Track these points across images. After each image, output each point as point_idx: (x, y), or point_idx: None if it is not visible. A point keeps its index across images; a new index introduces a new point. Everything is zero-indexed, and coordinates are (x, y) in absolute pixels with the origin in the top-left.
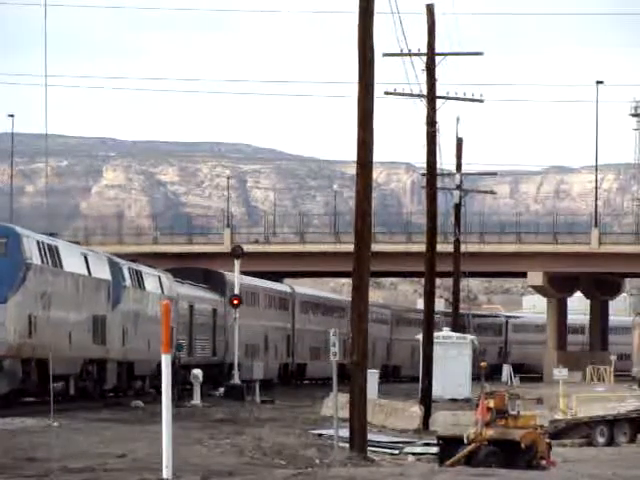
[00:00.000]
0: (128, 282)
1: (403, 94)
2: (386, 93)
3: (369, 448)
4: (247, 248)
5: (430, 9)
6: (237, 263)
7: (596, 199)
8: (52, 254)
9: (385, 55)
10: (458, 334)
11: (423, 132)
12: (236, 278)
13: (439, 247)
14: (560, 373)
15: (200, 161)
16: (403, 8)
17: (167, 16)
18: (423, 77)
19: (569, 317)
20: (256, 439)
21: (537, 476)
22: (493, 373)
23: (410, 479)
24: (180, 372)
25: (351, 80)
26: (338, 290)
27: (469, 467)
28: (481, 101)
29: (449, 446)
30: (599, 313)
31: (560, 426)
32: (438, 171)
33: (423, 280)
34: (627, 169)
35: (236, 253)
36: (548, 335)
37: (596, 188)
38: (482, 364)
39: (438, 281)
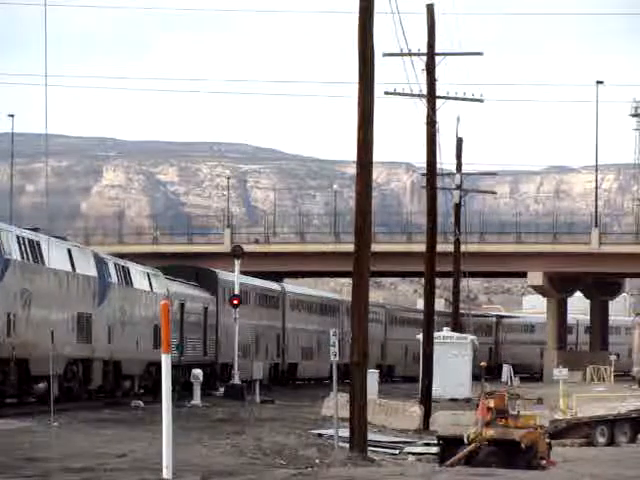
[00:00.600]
0: (114, 279)
1: (403, 94)
2: (386, 93)
3: (369, 448)
4: (247, 248)
5: (430, 9)
6: (237, 263)
7: (596, 199)
8: (33, 249)
9: (385, 55)
10: (458, 334)
11: (423, 132)
12: (236, 278)
13: (439, 247)
14: (560, 373)
15: (200, 161)
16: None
17: (167, 16)
18: (423, 77)
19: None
20: (256, 439)
21: (537, 476)
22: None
23: (410, 479)
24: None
25: (351, 80)
26: (338, 290)
27: (469, 467)
28: (481, 101)
29: (449, 446)
30: (599, 313)
31: (560, 426)
32: (438, 171)
33: (423, 280)
34: (627, 169)
35: (236, 253)
36: (548, 335)
37: (596, 188)
38: (482, 364)
39: (438, 281)
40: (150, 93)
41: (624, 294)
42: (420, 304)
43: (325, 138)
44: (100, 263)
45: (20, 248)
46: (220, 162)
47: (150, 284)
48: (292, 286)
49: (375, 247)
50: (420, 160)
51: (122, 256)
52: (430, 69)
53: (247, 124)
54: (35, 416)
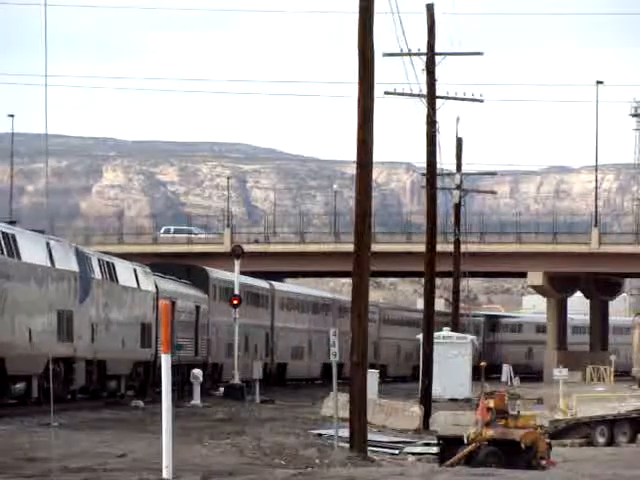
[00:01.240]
0: (98, 274)
1: (403, 94)
2: (386, 93)
3: (369, 448)
4: (247, 248)
5: (430, 9)
6: (237, 263)
7: (596, 199)
8: (8, 243)
9: (385, 55)
10: (458, 334)
11: (423, 132)
12: (236, 278)
13: (439, 247)
14: (560, 373)
15: (200, 161)
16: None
17: (167, 16)
18: (423, 77)
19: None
20: (256, 439)
21: (537, 476)
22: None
23: (410, 479)
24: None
25: (351, 80)
26: (338, 290)
27: (469, 467)
28: (481, 101)
29: (449, 446)
30: (599, 313)
31: (560, 426)
32: (438, 171)
33: (423, 280)
34: (627, 169)
35: (236, 253)
36: (548, 335)
37: (596, 188)
38: (482, 364)
39: (438, 281)
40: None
41: (624, 294)
42: (420, 304)
43: (325, 138)
44: (82, 258)
45: None
46: (220, 162)
47: (137, 281)
48: (282, 284)
49: (375, 247)
50: (420, 160)
51: (122, 256)
52: (430, 69)
53: (247, 124)
54: (35, 416)
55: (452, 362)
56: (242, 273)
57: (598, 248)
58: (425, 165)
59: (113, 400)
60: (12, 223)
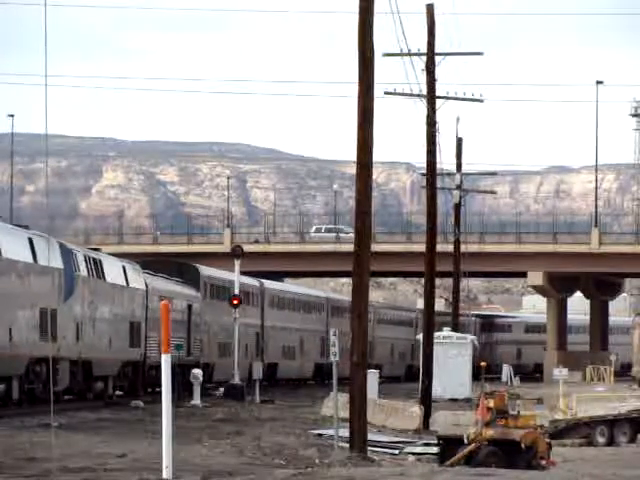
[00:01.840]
0: (84, 271)
1: (403, 94)
2: (386, 93)
3: (369, 448)
4: (247, 248)
5: (430, 9)
6: (237, 263)
7: (596, 199)
8: None
9: (385, 55)
10: (458, 334)
11: (423, 132)
12: (236, 278)
13: (439, 247)
14: (560, 373)
15: (200, 161)
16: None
17: (167, 16)
18: (423, 77)
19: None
20: (256, 439)
21: (537, 476)
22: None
23: (410, 479)
24: (151, 373)
25: (351, 80)
26: (338, 290)
27: (469, 467)
28: (481, 101)
29: (449, 446)
30: (599, 313)
31: (560, 426)
32: (438, 171)
33: (423, 280)
34: (627, 169)
35: (236, 253)
36: (548, 335)
37: (596, 188)
38: (482, 364)
39: (438, 281)
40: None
41: (624, 294)
42: (420, 304)
43: (325, 138)
44: (67, 254)
45: None
46: (220, 162)
47: (126, 278)
48: (271, 282)
49: (375, 247)
50: (420, 160)
51: (122, 256)
52: (430, 69)
53: (247, 124)
54: (35, 416)
55: (452, 362)
56: (242, 273)
57: (598, 248)
58: (425, 165)
59: (113, 401)
60: None
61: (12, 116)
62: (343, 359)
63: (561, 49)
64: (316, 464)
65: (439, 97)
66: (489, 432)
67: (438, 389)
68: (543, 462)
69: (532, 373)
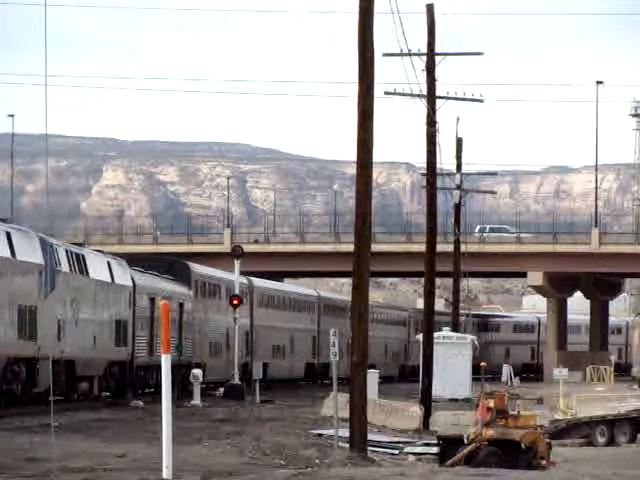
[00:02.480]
0: (65, 267)
1: (403, 94)
2: (386, 93)
3: (369, 448)
4: (247, 248)
5: (430, 9)
6: (237, 263)
7: (596, 199)
8: None
9: (385, 55)
10: (458, 334)
11: (423, 132)
12: (236, 278)
13: (439, 247)
14: (560, 373)
15: (200, 161)
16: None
17: (167, 16)
18: (423, 77)
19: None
20: (256, 439)
21: (537, 476)
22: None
23: (410, 479)
24: (140, 373)
25: (351, 80)
26: (338, 290)
27: (469, 467)
28: (481, 101)
29: (449, 446)
30: (599, 313)
31: (560, 426)
32: (438, 171)
33: (423, 280)
34: (627, 169)
35: (236, 253)
36: (548, 335)
37: (596, 188)
38: (482, 364)
39: (438, 281)
40: (151, 93)
41: (624, 294)
42: (420, 304)
43: (325, 138)
44: (48, 249)
45: None
46: (220, 162)
47: (111, 274)
48: (260, 280)
49: (375, 247)
50: (420, 160)
51: (123, 256)
52: (430, 69)
53: (247, 124)
54: (35, 416)
55: (452, 362)
56: (242, 273)
57: (598, 248)
58: (425, 165)
59: (113, 400)
60: None
61: (12, 116)
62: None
63: (561, 49)
64: (316, 464)
65: (439, 97)
66: (489, 432)
67: (438, 389)
68: (543, 462)
69: (520, 374)
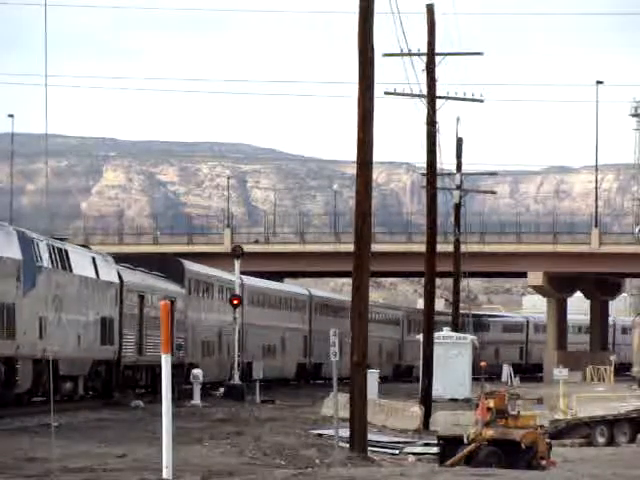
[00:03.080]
0: (47, 262)
1: (403, 94)
2: (386, 93)
3: (369, 448)
4: (247, 248)
5: (430, 9)
6: (237, 263)
7: (596, 199)
8: None
9: (385, 55)
10: (458, 334)
11: (423, 132)
12: (236, 278)
13: (439, 247)
14: (560, 373)
15: (200, 161)
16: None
17: (167, 16)
18: (423, 77)
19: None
20: (256, 439)
21: (537, 476)
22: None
23: (410, 479)
24: (127, 373)
25: (351, 80)
26: (338, 290)
27: (469, 467)
28: (481, 101)
29: (449, 446)
30: (599, 313)
31: (560, 426)
32: (438, 171)
33: (423, 280)
34: (627, 169)
35: (236, 253)
36: (548, 335)
37: (596, 188)
38: (482, 364)
39: (438, 281)
40: (150, 93)
41: (624, 294)
42: (420, 304)
43: (325, 138)
44: (27, 244)
45: None
46: (220, 162)
47: (96, 270)
48: (250, 278)
49: (375, 247)
50: (420, 160)
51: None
52: (430, 69)
53: (247, 124)
54: (35, 416)
55: (452, 362)
56: (243, 273)
57: (598, 248)
58: (425, 165)
59: (112, 400)
60: None
61: (12, 116)
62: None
63: (561, 49)
64: (316, 464)
65: (439, 97)
66: (489, 432)
67: (438, 389)
68: (543, 462)
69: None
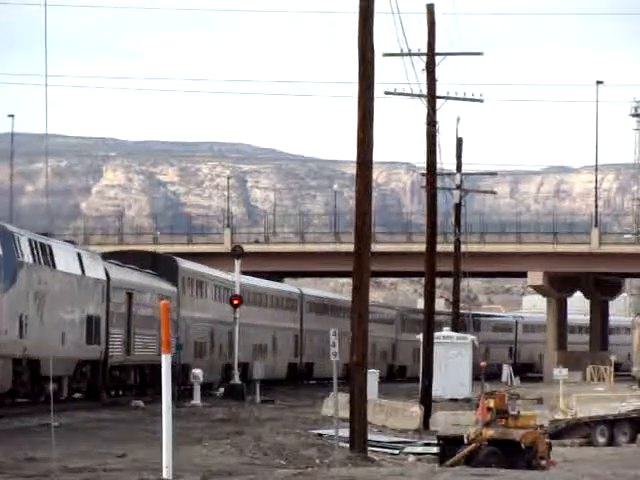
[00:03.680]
0: (28, 257)
1: (403, 94)
2: (386, 93)
3: (369, 448)
4: (247, 248)
5: (430, 9)
6: (237, 263)
7: (596, 199)
8: None
9: (385, 55)
10: (458, 334)
11: (423, 132)
12: (237, 278)
13: (439, 247)
14: (560, 373)
15: (200, 161)
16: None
17: (167, 16)
18: (423, 77)
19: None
20: (256, 439)
21: (537, 476)
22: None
23: (410, 479)
24: (114, 374)
25: (351, 80)
26: (338, 290)
27: (469, 467)
28: (481, 101)
29: (449, 446)
30: (599, 313)
31: (560, 426)
32: (438, 171)
33: (423, 280)
34: (627, 169)
35: (236, 253)
36: (548, 335)
37: (596, 188)
38: (482, 364)
39: (438, 281)
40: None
41: (624, 294)
42: (420, 304)
43: (325, 138)
44: (7, 239)
45: None
46: (220, 162)
47: (82, 267)
48: (242, 277)
49: (375, 247)
50: (420, 160)
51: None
52: (430, 69)
53: (247, 124)
54: (35, 416)
55: (452, 362)
56: (243, 273)
57: (598, 248)
58: (425, 165)
59: (112, 400)
60: None
61: (12, 116)
62: (321, 359)
63: (561, 49)
64: (316, 464)
65: (439, 97)
66: (489, 432)
67: (438, 389)
68: (543, 462)
69: (499, 377)
